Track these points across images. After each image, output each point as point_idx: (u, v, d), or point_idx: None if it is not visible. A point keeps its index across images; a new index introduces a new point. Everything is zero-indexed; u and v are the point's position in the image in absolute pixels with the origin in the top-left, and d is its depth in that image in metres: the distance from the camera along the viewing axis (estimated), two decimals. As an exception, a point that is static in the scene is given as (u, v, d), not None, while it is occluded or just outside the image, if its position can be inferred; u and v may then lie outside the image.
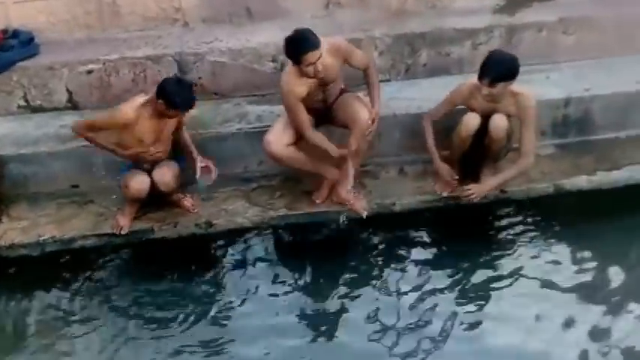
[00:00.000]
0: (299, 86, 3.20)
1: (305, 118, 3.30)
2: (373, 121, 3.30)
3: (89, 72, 3.88)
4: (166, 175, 3.35)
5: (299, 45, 3.09)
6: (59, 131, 3.77)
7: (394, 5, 4.25)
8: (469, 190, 3.36)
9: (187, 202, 3.53)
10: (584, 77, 3.92)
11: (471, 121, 3.28)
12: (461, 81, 3.42)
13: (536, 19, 4.04)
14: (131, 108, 3.22)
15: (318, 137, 3.37)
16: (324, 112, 3.44)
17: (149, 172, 3.37)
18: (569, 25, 4.01)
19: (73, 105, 3.96)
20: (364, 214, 3.43)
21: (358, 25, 4.01)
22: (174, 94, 3.12)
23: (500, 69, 3.10)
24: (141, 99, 3.26)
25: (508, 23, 4.01)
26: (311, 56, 3.05)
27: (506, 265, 3.22)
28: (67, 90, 3.93)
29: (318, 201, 3.53)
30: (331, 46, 3.23)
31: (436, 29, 3.97)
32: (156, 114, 3.22)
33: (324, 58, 3.13)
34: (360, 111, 3.29)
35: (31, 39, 4.03)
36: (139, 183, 3.31)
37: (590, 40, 4.06)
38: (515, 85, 3.21)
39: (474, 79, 3.26)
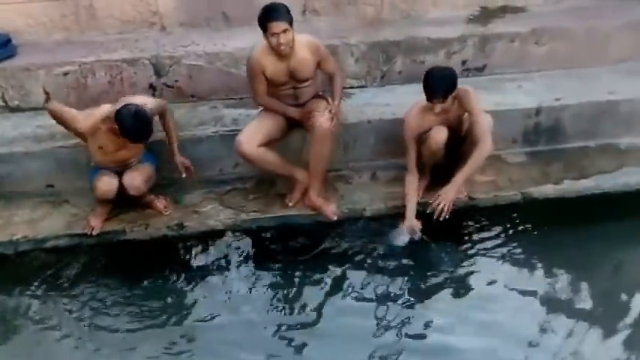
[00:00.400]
0: (264, 59, 3.40)
1: (262, 86, 3.49)
2: (331, 113, 3.40)
3: (65, 74, 4.00)
4: (136, 179, 3.45)
5: (268, 12, 3.30)
6: (36, 131, 3.87)
7: (370, 14, 4.41)
8: (437, 201, 3.38)
9: (160, 203, 3.63)
10: (555, 87, 4.09)
11: (440, 135, 3.38)
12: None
13: (508, 29, 4.21)
14: (89, 120, 3.32)
15: (272, 102, 3.55)
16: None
17: (120, 174, 3.46)
18: (542, 36, 4.19)
19: None
20: (334, 218, 3.56)
21: (334, 33, 4.16)
22: (128, 127, 3.20)
23: (446, 83, 3.27)
24: (103, 111, 3.31)
25: (481, 33, 4.17)
26: (275, 26, 3.26)
27: (473, 272, 3.30)
28: (44, 91, 4.01)
29: (290, 204, 3.64)
30: (311, 43, 3.46)
31: (410, 38, 4.13)
32: (114, 131, 3.29)
33: (300, 52, 3.36)
34: (319, 116, 3.40)
35: (8, 40, 4.14)
36: (106, 184, 3.40)
37: (562, 51, 4.24)
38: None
39: (415, 105, 3.43)
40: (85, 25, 4.28)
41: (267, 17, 3.29)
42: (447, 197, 3.38)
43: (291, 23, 3.30)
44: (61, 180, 3.76)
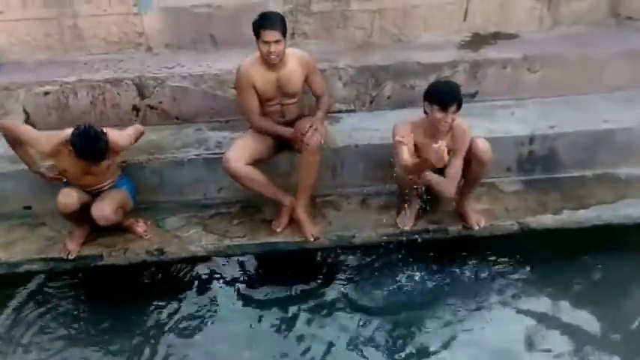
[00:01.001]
0: (255, 72, 3.51)
1: (254, 104, 3.58)
2: (311, 126, 3.48)
3: (46, 93, 4.08)
4: (105, 209, 3.43)
5: (263, 19, 3.43)
6: (11, 151, 3.81)
7: (359, 38, 4.55)
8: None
9: (140, 227, 3.66)
10: (549, 114, 4.17)
11: (403, 155, 3.35)
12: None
13: (500, 55, 4.31)
14: (50, 143, 3.34)
15: (265, 122, 3.63)
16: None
17: (95, 197, 3.49)
18: (534, 63, 4.29)
19: (31, 125, 3.97)
20: (310, 240, 3.59)
21: (323, 56, 4.24)
22: (78, 146, 3.23)
23: (458, 92, 3.31)
24: (64, 134, 3.33)
25: (472, 59, 4.27)
26: (268, 34, 3.39)
27: (465, 303, 3.31)
28: (25, 111, 4.12)
29: (277, 230, 3.68)
30: (302, 56, 3.60)
31: (400, 62, 4.23)
32: (73, 154, 3.34)
33: (290, 64, 3.49)
34: (310, 137, 3.48)
35: (-10, 59, 4.25)
36: (66, 196, 3.38)
37: (555, 78, 4.34)
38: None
39: (408, 118, 3.47)
40: (70, 45, 4.39)
41: (261, 24, 3.42)
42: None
43: (284, 34, 3.42)
44: (38, 201, 3.80)
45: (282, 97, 3.61)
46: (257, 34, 3.45)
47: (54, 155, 3.35)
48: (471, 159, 3.43)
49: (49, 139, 3.33)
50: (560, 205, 3.84)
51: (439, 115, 3.26)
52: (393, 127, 3.46)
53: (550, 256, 3.58)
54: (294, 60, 3.57)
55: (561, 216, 3.76)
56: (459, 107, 3.29)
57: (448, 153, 3.20)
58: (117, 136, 3.38)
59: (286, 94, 3.60)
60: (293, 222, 3.69)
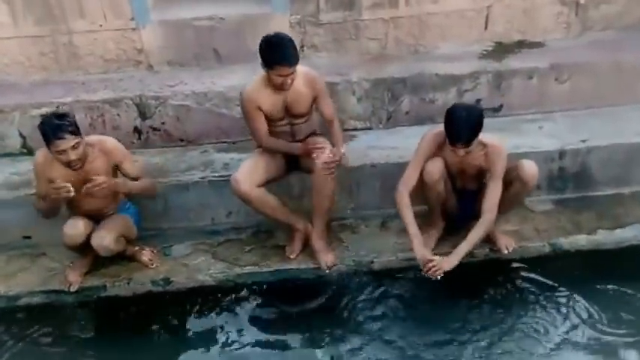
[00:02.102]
0: (261, 95, 3.72)
1: (263, 126, 3.82)
2: (334, 157, 3.73)
3: (42, 115, 4.27)
4: (105, 239, 3.69)
5: (277, 54, 3.59)
6: (10, 178, 4.27)
7: (373, 49, 4.85)
8: (432, 264, 3.57)
9: (145, 255, 3.96)
10: (580, 127, 4.43)
11: (433, 165, 3.65)
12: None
13: (525, 65, 4.60)
14: (40, 152, 3.63)
15: (276, 142, 3.86)
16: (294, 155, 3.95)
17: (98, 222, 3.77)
18: (562, 72, 4.57)
19: (28, 150, 4.49)
20: (325, 270, 3.86)
21: (335, 69, 4.59)
22: (43, 128, 3.47)
23: (472, 125, 3.47)
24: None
25: (495, 69, 4.57)
26: (284, 70, 3.58)
27: (491, 331, 3.53)
28: (20, 134, 4.48)
29: (291, 256, 3.95)
30: (309, 76, 3.80)
31: (418, 74, 4.53)
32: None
33: (297, 84, 3.69)
34: (320, 152, 3.72)
35: (-19, 80, 4.61)
36: (72, 227, 3.65)
37: (586, 88, 4.61)
38: (484, 135, 3.58)
39: (437, 129, 3.68)
40: (65, 64, 4.73)
41: (276, 59, 3.59)
42: (442, 265, 3.56)
43: (298, 60, 3.67)
44: (39, 231, 4.09)
45: (291, 118, 3.89)
46: (269, 66, 3.63)
47: (47, 167, 3.57)
48: (512, 180, 3.69)
49: (37, 153, 3.64)
50: (595, 224, 4.09)
51: (450, 146, 3.53)
52: (423, 134, 3.71)
53: (584, 280, 3.79)
54: (301, 79, 3.78)
55: (596, 236, 4.00)
56: (469, 142, 3.46)
57: (483, 174, 3.60)
58: (122, 149, 3.70)
59: (294, 115, 3.88)
60: (308, 247, 3.96)
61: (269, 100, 3.75)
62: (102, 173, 3.61)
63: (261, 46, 3.59)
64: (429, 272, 3.58)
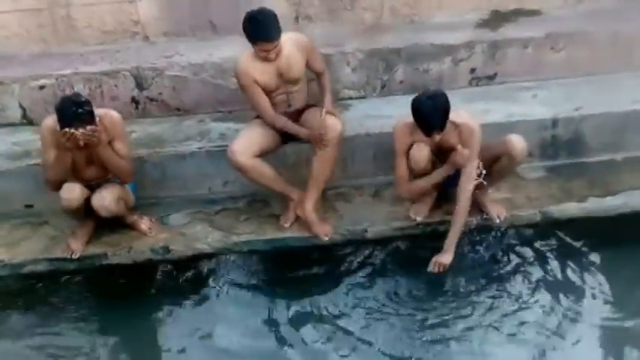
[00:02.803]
0: (253, 68, 3.81)
1: (265, 100, 3.89)
2: (328, 112, 3.85)
3: (41, 87, 4.51)
4: (105, 198, 3.80)
5: (258, 30, 3.71)
6: (12, 148, 4.35)
7: (368, 20, 4.89)
8: (434, 267, 3.71)
9: (144, 224, 4.04)
10: (574, 96, 4.46)
11: (420, 154, 3.71)
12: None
13: (521, 34, 4.62)
14: (50, 119, 3.67)
15: (282, 121, 3.92)
16: (290, 119, 3.97)
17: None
18: (558, 41, 4.60)
19: (28, 121, 4.60)
20: (325, 239, 3.93)
21: (329, 40, 4.62)
22: (58, 112, 3.54)
23: (441, 114, 3.53)
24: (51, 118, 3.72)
25: (491, 39, 4.60)
26: (266, 46, 3.69)
27: (481, 298, 3.61)
28: (21, 106, 4.56)
29: (286, 225, 4.03)
30: (299, 41, 3.91)
31: (413, 45, 4.57)
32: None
33: (287, 50, 3.78)
34: (328, 118, 3.83)
35: (-19, 53, 4.69)
36: (68, 192, 3.72)
37: (582, 57, 4.64)
38: (454, 114, 3.63)
39: (405, 120, 3.72)
40: (64, 37, 4.81)
41: (258, 36, 3.72)
42: (442, 263, 3.69)
43: (280, 33, 3.75)
44: (41, 200, 4.17)
45: (286, 86, 3.96)
46: (252, 41, 3.77)
47: (55, 140, 3.63)
48: (501, 155, 3.73)
49: (43, 124, 3.70)
50: (587, 192, 4.12)
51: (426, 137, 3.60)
52: (393, 130, 3.78)
53: (575, 247, 3.85)
54: (291, 45, 3.88)
55: (587, 204, 4.03)
56: (442, 128, 3.53)
57: (451, 150, 3.63)
58: (121, 128, 3.76)
59: (289, 81, 3.94)
60: (299, 207, 4.01)
61: (262, 71, 3.82)
62: (101, 144, 3.68)
63: (244, 22, 3.68)
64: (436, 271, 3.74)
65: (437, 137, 3.56)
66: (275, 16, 3.71)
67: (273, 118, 3.91)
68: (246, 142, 3.85)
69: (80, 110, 3.50)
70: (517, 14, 4.90)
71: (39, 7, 4.68)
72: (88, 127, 3.53)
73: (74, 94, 3.65)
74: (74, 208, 3.76)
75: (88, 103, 3.54)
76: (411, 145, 3.72)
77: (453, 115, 3.61)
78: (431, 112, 3.51)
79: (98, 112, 3.67)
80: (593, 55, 4.63)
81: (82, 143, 3.57)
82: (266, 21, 3.69)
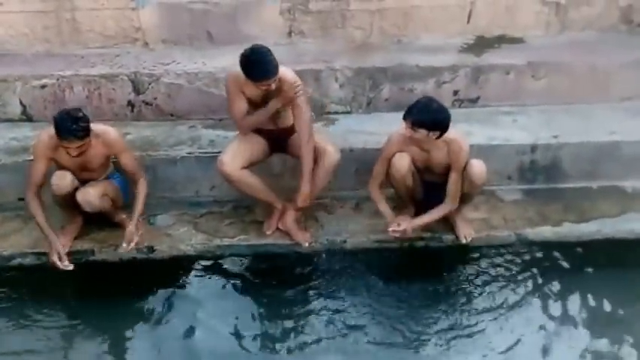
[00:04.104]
0: (245, 84, 3.71)
1: (242, 106, 3.84)
2: (303, 201, 3.89)
3: (43, 86, 4.58)
4: (89, 193, 3.84)
5: (258, 71, 3.63)
6: (9, 143, 4.41)
7: (358, 38, 4.97)
8: (397, 225, 3.83)
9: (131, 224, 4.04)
10: (553, 123, 4.51)
11: (400, 162, 3.78)
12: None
13: (504, 61, 4.68)
14: (45, 132, 3.73)
15: (253, 120, 3.87)
16: (278, 136, 3.99)
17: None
18: (539, 69, 4.66)
19: (27, 117, 4.67)
20: (305, 245, 3.97)
21: (320, 56, 4.69)
22: (55, 121, 3.60)
23: (423, 116, 3.58)
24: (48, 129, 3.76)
25: (474, 63, 4.66)
26: (266, 83, 3.65)
27: (460, 313, 3.61)
28: (21, 103, 4.63)
29: (268, 232, 4.06)
30: (289, 82, 3.74)
31: (399, 65, 4.64)
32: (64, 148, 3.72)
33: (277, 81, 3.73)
34: (328, 147, 3.86)
35: (-16, 50, 4.76)
36: (60, 178, 3.76)
37: (561, 86, 4.69)
38: (450, 130, 3.67)
39: (403, 130, 3.77)
40: (67, 38, 4.89)
41: (257, 77, 3.62)
42: (407, 227, 3.80)
43: (277, 68, 3.66)
44: (34, 194, 4.23)
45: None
46: (252, 80, 3.66)
47: (54, 150, 3.72)
48: (464, 178, 3.78)
49: (40, 135, 3.76)
50: (562, 217, 4.14)
51: (403, 124, 3.64)
52: (388, 137, 3.83)
53: (547, 270, 3.85)
54: (283, 82, 3.75)
55: (561, 228, 4.06)
56: (414, 125, 3.57)
57: (447, 168, 3.71)
58: (121, 143, 3.82)
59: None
60: (280, 220, 4.05)
61: (252, 90, 3.77)
62: (100, 162, 3.85)
63: (241, 62, 3.64)
64: (394, 232, 3.81)
65: (408, 131, 3.60)
66: (270, 53, 3.64)
67: (241, 119, 3.87)
68: (234, 154, 3.88)
69: (74, 126, 3.57)
70: (500, 41, 4.97)
71: (46, 9, 4.76)
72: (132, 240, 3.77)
73: (74, 108, 3.68)
74: (63, 194, 3.79)
75: (85, 119, 3.61)
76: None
77: (448, 134, 3.68)
78: (422, 105, 3.57)
79: (96, 129, 3.72)
80: (571, 84, 4.68)
81: (74, 153, 3.68)
82: (264, 61, 3.63)
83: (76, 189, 3.84)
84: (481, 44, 4.92)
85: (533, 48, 4.88)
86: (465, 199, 3.91)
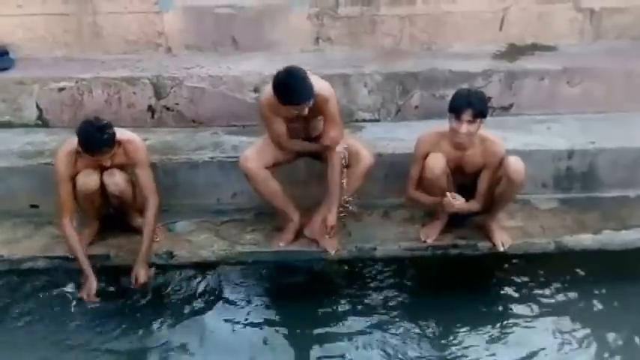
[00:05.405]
0: (277, 105, 3.47)
1: (281, 129, 3.62)
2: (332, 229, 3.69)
3: (61, 89, 4.40)
4: (116, 175, 3.62)
5: (292, 97, 3.39)
6: (24, 148, 4.23)
7: (388, 45, 4.81)
8: (455, 200, 3.58)
9: (149, 229, 3.87)
10: (589, 130, 4.31)
11: (434, 162, 3.56)
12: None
13: (538, 66, 4.51)
14: (62, 153, 3.54)
15: (296, 143, 3.71)
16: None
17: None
18: (574, 76, 4.46)
19: (43, 122, 4.48)
20: (332, 253, 3.74)
21: (348, 62, 4.51)
22: (81, 136, 3.41)
23: (483, 105, 3.45)
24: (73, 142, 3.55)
25: (508, 69, 4.48)
26: (301, 108, 3.41)
27: (489, 324, 3.36)
28: (37, 107, 4.45)
29: (280, 244, 3.81)
30: (322, 96, 3.51)
31: (430, 70, 4.45)
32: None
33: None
34: (361, 150, 3.66)
35: (5, 53, 4.60)
36: (86, 175, 3.56)
37: (597, 93, 4.50)
38: (483, 129, 3.55)
39: (436, 128, 3.66)
40: (88, 43, 4.76)
41: (291, 102, 3.38)
42: (460, 204, 3.56)
43: (312, 91, 3.43)
44: (46, 201, 3.97)
45: (304, 119, 3.67)
46: (284, 103, 3.45)
47: (74, 167, 3.52)
48: (501, 177, 3.56)
49: (59, 154, 3.56)
50: (600, 225, 3.92)
51: (454, 124, 3.43)
52: (417, 138, 3.66)
53: (587, 279, 3.63)
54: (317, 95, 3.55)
55: (602, 236, 3.84)
56: (476, 116, 3.40)
57: (479, 170, 3.50)
58: (143, 154, 3.62)
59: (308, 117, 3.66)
60: (298, 239, 3.82)
61: (288, 111, 3.49)
62: (120, 168, 3.64)
63: (277, 86, 3.40)
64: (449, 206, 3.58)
65: (470, 127, 3.39)
66: (305, 77, 3.38)
67: (288, 143, 3.68)
68: (259, 152, 3.69)
69: (105, 136, 3.40)
70: (533, 48, 4.79)
71: (67, 12, 4.64)
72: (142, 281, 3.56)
73: (94, 118, 3.46)
74: (92, 192, 3.58)
75: (109, 124, 3.41)
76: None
77: (481, 131, 3.52)
78: (465, 93, 3.44)
79: (121, 136, 3.52)
80: (607, 91, 4.48)
81: (108, 163, 3.53)
82: (298, 86, 3.38)
83: (99, 187, 3.62)
84: (514, 52, 4.74)
85: (568, 55, 4.69)
86: (501, 202, 3.66)
